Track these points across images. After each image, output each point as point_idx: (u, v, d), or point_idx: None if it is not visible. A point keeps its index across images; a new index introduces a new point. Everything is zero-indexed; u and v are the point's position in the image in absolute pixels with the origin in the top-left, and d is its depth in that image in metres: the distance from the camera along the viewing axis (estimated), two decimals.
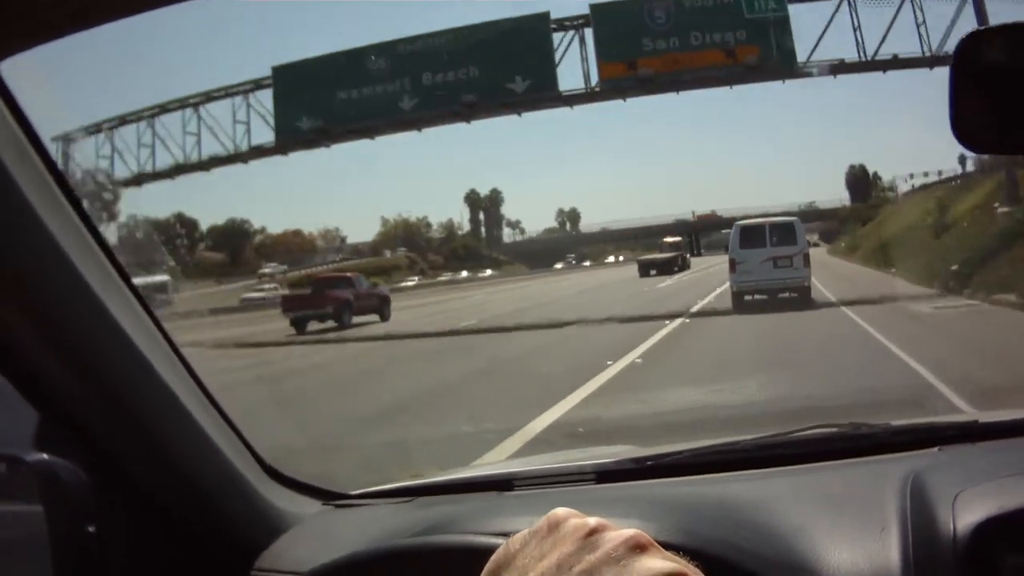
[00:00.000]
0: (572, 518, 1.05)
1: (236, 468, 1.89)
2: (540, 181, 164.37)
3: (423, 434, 8.44)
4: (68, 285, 1.56)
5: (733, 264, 23.79)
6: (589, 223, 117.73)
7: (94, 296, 1.59)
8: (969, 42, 1.50)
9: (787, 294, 22.96)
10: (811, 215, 80.00)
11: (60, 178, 1.56)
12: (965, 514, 1.62)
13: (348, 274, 32.90)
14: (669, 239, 72.47)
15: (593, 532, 1.02)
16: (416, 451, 7.37)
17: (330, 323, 27.01)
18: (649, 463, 2.18)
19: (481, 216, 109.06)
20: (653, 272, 51.43)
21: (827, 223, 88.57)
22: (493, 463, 2.56)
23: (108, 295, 1.62)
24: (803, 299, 22.67)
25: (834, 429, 2.27)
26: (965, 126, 1.51)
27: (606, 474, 2.16)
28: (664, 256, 58.21)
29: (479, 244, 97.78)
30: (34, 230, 1.51)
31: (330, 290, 28.73)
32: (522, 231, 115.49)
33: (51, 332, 1.57)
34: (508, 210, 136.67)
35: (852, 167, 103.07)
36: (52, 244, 1.52)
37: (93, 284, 1.59)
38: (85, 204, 1.61)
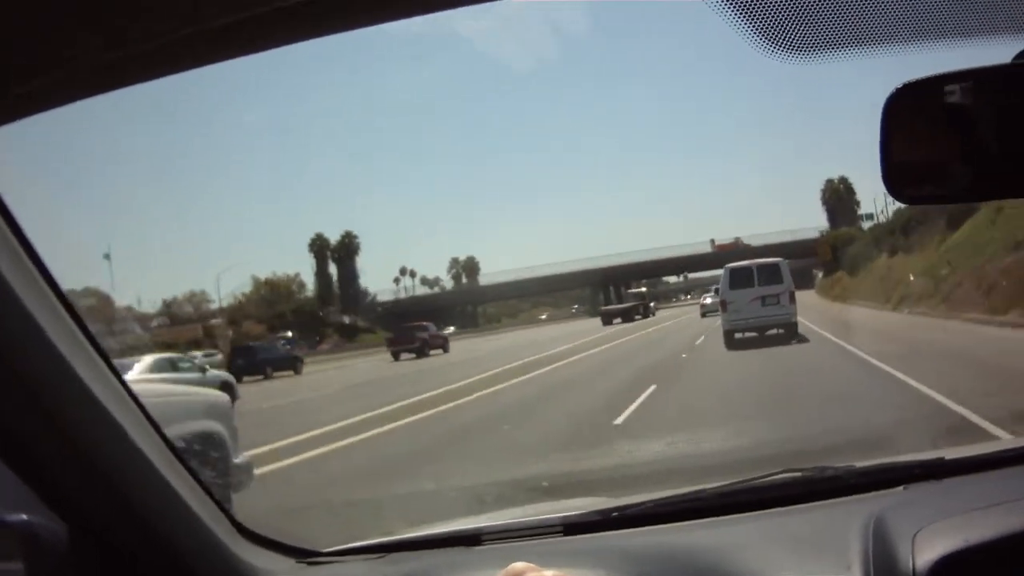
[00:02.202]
0: (529, 572, 1.07)
1: (207, 526, 1.90)
2: (430, 225, 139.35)
3: None
4: (37, 348, 1.58)
5: (724, 304, 25.55)
6: (491, 274, 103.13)
7: (62, 359, 1.61)
8: (900, 93, 1.52)
9: (775, 330, 24.45)
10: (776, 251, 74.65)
11: (23, 240, 1.60)
12: (924, 551, 1.65)
13: (424, 323, 48.07)
14: (633, 290, 79.76)
15: None
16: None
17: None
18: (614, 514, 2.21)
19: (332, 269, 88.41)
20: (617, 320, 52.94)
21: (803, 260, 77.76)
22: (462, 519, 2.55)
23: (76, 358, 1.64)
24: (790, 334, 24.25)
25: (798, 473, 2.29)
26: (896, 176, 1.53)
27: (572, 526, 2.18)
28: (626, 305, 61.57)
29: (326, 307, 79.95)
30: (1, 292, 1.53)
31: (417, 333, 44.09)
32: (434, 282, 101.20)
33: (24, 395, 1.59)
34: (401, 260, 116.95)
35: (830, 183, 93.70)
36: (19, 308, 1.55)
37: (61, 347, 1.61)
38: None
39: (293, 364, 39.54)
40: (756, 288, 25.00)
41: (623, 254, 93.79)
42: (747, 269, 25.91)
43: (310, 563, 2.20)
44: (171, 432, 7.09)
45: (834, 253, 68.60)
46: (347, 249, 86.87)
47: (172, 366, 24.11)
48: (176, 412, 6.70)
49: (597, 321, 53.97)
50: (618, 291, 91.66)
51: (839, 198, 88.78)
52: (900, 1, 1.54)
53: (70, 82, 1.46)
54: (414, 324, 48.13)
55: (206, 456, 6.73)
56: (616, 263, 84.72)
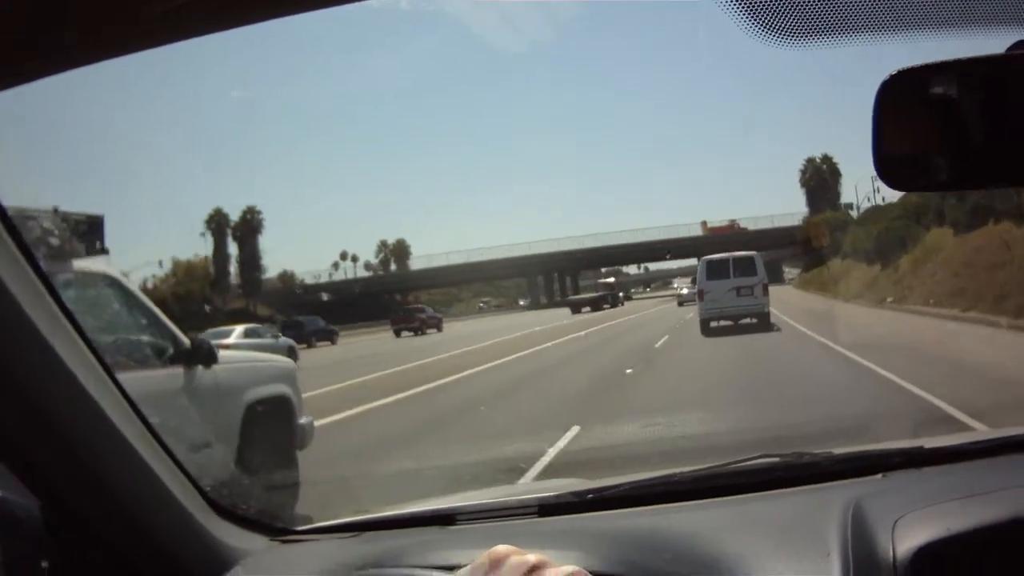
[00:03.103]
0: (513, 555, 1.01)
1: (181, 503, 1.79)
2: (371, 209, 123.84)
3: None
4: (14, 327, 1.48)
5: (701, 294, 25.72)
6: (427, 257, 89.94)
7: (40, 336, 1.51)
8: (892, 81, 1.43)
9: (748, 319, 24.81)
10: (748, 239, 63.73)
11: (9, 224, 1.50)
12: (905, 539, 1.56)
13: (421, 304, 55.35)
14: (604, 280, 76.46)
15: (533, 569, 0.99)
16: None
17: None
18: (590, 496, 2.10)
19: (232, 250, 73.22)
20: (585, 309, 51.84)
21: (779, 251, 69.89)
22: (436, 499, 2.35)
23: (54, 335, 1.54)
24: (763, 323, 24.41)
25: (776, 459, 2.18)
26: (888, 164, 1.44)
27: (548, 507, 2.07)
28: (595, 295, 59.26)
29: (220, 290, 66.55)
30: None
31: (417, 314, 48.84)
32: (378, 267, 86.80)
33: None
34: (344, 244, 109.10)
35: (811, 162, 79.14)
36: None
37: (38, 324, 1.50)
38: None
39: (330, 336, 44.48)
40: (732, 279, 25.08)
41: (575, 238, 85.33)
42: (724, 261, 25.98)
43: (284, 541, 2.08)
44: (252, 394, 6.97)
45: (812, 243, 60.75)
46: (249, 227, 73.17)
47: (256, 334, 27.28)
48: (259, 376, 7.28)
49: (549, 313, 52.33)
50: (575, 281, 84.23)
51: (822, 179, 77.07)
52: None
53: None
54: (414, 307, 53.82)
55: (276, 416, 7.13)
56: (571, 248, 76.23)
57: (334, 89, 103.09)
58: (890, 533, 1.57)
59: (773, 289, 27.08)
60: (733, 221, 74.38)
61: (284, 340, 28.49)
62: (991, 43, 1.43)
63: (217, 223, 70.17)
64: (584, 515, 2.01)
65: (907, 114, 1.43)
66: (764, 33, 1.46)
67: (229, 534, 1.90)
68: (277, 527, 2.09)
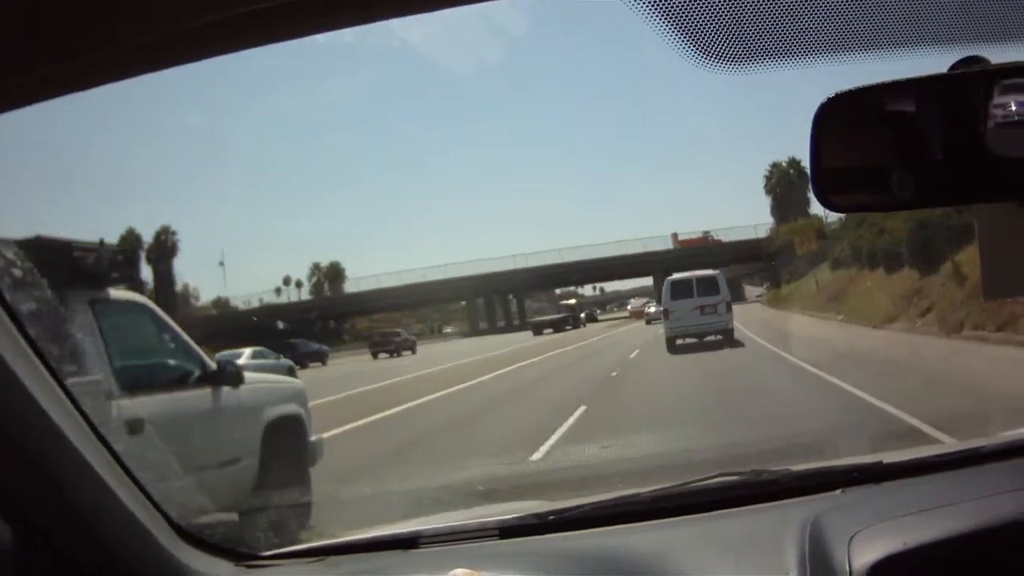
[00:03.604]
0: None
1: (150, 531, 1.70)
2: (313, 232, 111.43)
3: None
4: None
5: (667, 312, 24.78)
6: (360, 280, 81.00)
7: (6, 367, 1.43)
8: (831, 103, 1.36)
9: (713, 337, 24.14)
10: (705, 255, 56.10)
11: None
12: (861, 554, 1.50)
13: (397, 329, 54.40)
14: (566, 302, 70.44)
15: None
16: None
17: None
18: (551, 518, 2.00)
19: (147, 273, 63.81)
20: (548, 331, 50.57)
21: (742, 267, 63.12)
22: (399, 523, 2.25)
23: (16, 362, 1.46)
24: (727, 340, 23.82)
25: (735, 477, 2.08)
26: (826, 186, 1.38)
27: (509, 530, 1.97)
28: (557, 316, 57.92)
29: None
30: None
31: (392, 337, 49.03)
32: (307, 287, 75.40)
33: None
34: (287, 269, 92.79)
35: (777, 167, 68.80)
36: None
37: (4, 352, 1.43)
38: None
39: (321, 357, 44.21)
40: (695, 298, 24.34)
41: (525, 255, 76.05)
42: (687, 281, 25.26)
43: (249, 567, 1.98)
44: (270, 414, 6.83)
45: (773, 257, 54.04)
46: (163, 249, 65.86)
47: (262, 355, 27.33)
48: (276, 397, 7.28)
49: (510, 336, 50.35)
50: (520, 304, 77.84)
51: (789, 184, 66.33)
52: (832, 14, 1.36)
53: None
54: (390, 331, 53.09)
55: (291, 435, 7.14)
56: (522, 266, 67.34)
57: (265, 115, 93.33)
58: (846, 548, 1.52)
59: (739, 309, 26.87)
60: (707, 233, 67.24)
61: (285, 361, 28.58)
62: (930, 63, 1.37)
63: (129, 244, 58.49)
64: (545, 536, 1.93)
65: (846, 136, 1.37)
66: (704, 59, 1.39)
67: (195, 560, 1.81)
68: (242, 553, 2.00)
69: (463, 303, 76.24)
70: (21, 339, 1.49)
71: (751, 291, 66.33)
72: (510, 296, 75.56)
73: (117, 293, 6.19)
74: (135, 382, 5.86)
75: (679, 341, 23.91)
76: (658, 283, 58.08)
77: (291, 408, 7.37)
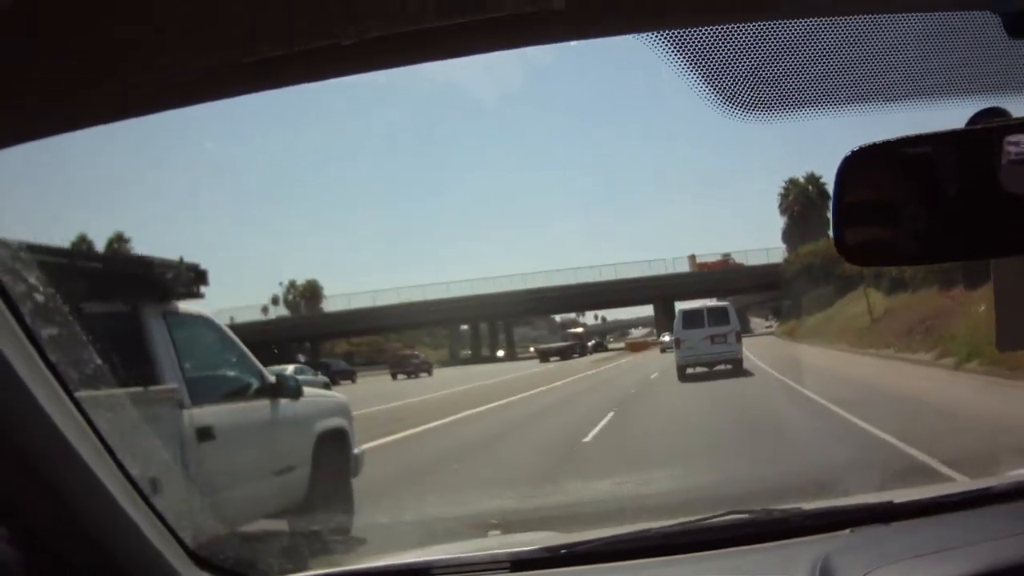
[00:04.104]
0: None
1: (163, 554, 1.62)
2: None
3: None
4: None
5: (678, 342, 24.21)
6: (338, 298, 70.22)
7: (20, 382, 1.35)
8: (853, 158, 1.28)
9: (723, 366, 23.40)
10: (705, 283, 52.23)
11: None
12: None
13: (416, 352, 53.38)
14: (573, 330, 66.91)
15: None
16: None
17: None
18: (563, 551, 1.90)
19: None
20: (555, 358, 49.25)
21: (748, 297, 57.42)
22: (410, 551, 2.16)
23: (33, 382, 1.38)
24: (736, 369, 23.04)
25: (745, 515, 1.97)
26: (849, 240, 1.29)
27: (520, 563, 1.86)
28: (563, 344, 56.02)
29: None
30: None
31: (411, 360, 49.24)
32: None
33: None
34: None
35: (794, 184, 57.84)
36: None
37: (19, 370, 1.35)
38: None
39: (351, 376, 45.31)
40: (706, 328, 23.71)
41: (521, 276, 67.65)
42: (698, 311, 24.75)
43: None
44: (320, 426, 6.86)
45: (791, 283, 45.84)
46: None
47: (303, 372, 28.27)
48: (325, 410, 7.30)
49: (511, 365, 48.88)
50: (508, 332, 70.61)
51: (808, 202, 56.09)
52: (854, 66, 1.33)
53: None
54: (408, 354, 52.62)
55: (338, 446, 7.27)
56: (518, 287, 59.80)
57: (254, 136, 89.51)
58: None
59: (766, 346, 26.02)
60: (727, 256, 59.72)
61: (321, 378, 28.46)
62: (947, 116, 1.32)
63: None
64: (556, 570, 1.83)
65: (868, 189, 1.29)
66: (729, 107, 1.35)
67: None
68: None
69: (455, 327, 70.84)
70: (35, 354, 1.42)
71: (756, 323, 61.46)
72: (499, 323, 70.03)
73: (187, 307, 6.27)
74: (203, 392, 5.92)
75: (689, 370, 23.37)
76: (658, 312, 55.95)
77: (338, 421, 7.35)
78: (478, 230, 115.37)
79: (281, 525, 6.50)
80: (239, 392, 6.49)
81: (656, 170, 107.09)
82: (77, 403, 1.50)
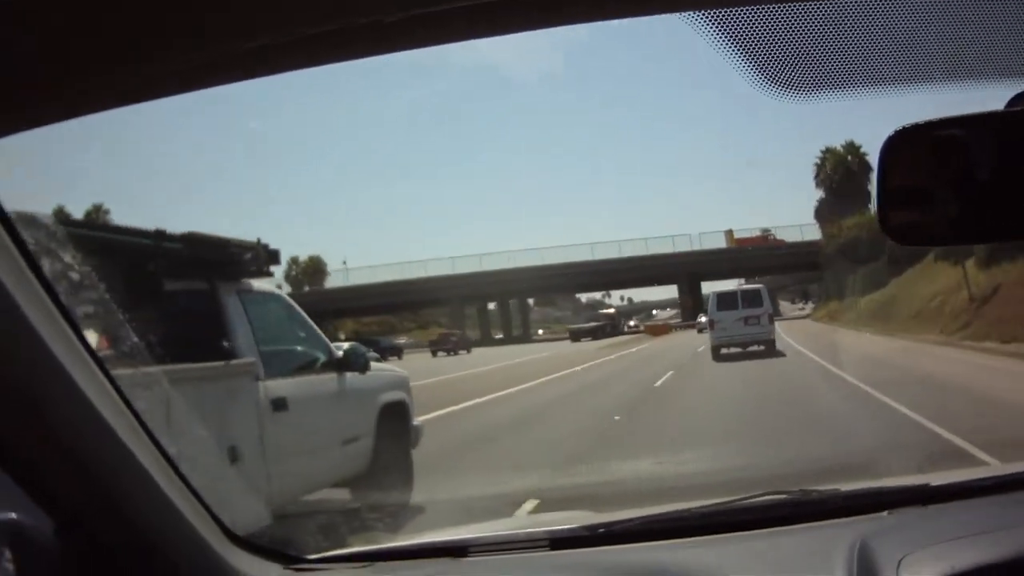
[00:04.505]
0: None
1: (198, 531, 1.56)
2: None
3: None
4: (30, 348, 1.27)
5: (712, 323, 23.93)
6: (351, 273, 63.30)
7: (54, 358, 1.29)
8: (896, 137, 1.24)
9: (756, 347, 22.84)
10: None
11: (21, 246, 1.27)
12: None
13: (456, 331, 53.48)
14: (605, 311, 65.11)
15: None
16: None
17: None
18: (601, 530, 1.82)
19: None
20: (586, 338, 48.51)
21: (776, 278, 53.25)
22: (448, 529, 2.11)
23: (68, 358, 1.32)
24: (769, 350, 22.52)
25: (784, 496, 1.90)
26: (893, 219, 1.26)
27: (559, 541, 1.79)
28: (594, 324, 54.63)
29: None
30: None
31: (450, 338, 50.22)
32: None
33: (14, 394, 1.27)
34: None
35: (831, 152, 51.24)
36: (11, 306, 1.23)
37: (53, 347, 1.28)
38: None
39: (398, 352, 45.62)
40: (740, 310, 23.32)
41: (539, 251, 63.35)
42: (732, 293, 24.55)
43: (297, 570, 1.81)
44: (383, 398, 6.96)
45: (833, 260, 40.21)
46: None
47: (355, 350, 28.38)
48: (387, 384, 7.40)
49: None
50: (523, 310, 66.20)
51: (848, 172, 49.27)
52: (895, 45, 1.25)
53: None
54: (448, 333, 52.58)
55: (399, 418, 7.32)
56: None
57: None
58: (895, 572, 1.36)
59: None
60: (766, 232, 53.80)
61: (373, 354, 28.76)
62: (987, 96, 1.26)
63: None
64: (594, 549, 1.75)
65: (911, 168, 1.25)
66: (770, 86, 1.28)
67: (244, 562, 1.67)
68: (290, 555, 1.84)
69: (482, 306, 63.24)
70: (70, 331, 1.35)
71: (784, 306, 56.81)
72: (512, 301, 64.14)
73: (260, 285, 6.36)
74: (276, 365, 6.02)
75: (723, 350, 22.94)
76: (683, 293, 54.33)
77: (399, 395, 7.42)
78: (494, 206, 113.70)
79: (344, 496, 6.53)
80: (308, 365, 6.58)
81: (682, 145, 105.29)
82: (112, 380, 1.44)
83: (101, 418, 1.37)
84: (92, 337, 1.50)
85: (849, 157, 50.83)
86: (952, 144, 1.21)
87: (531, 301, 66.67)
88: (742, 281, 40.23)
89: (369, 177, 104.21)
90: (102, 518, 1.41)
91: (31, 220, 1.49)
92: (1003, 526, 1.51)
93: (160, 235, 5.88)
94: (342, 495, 6.56)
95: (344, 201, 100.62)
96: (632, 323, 63.69)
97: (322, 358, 6.64)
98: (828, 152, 51.92)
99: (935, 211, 1.24)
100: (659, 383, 16.40)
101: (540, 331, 63.94)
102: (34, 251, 1.27)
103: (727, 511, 1.83)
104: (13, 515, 1.34)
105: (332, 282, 61.14)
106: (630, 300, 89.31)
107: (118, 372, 1.49)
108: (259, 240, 6.57)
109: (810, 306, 56.72)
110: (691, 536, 1.74)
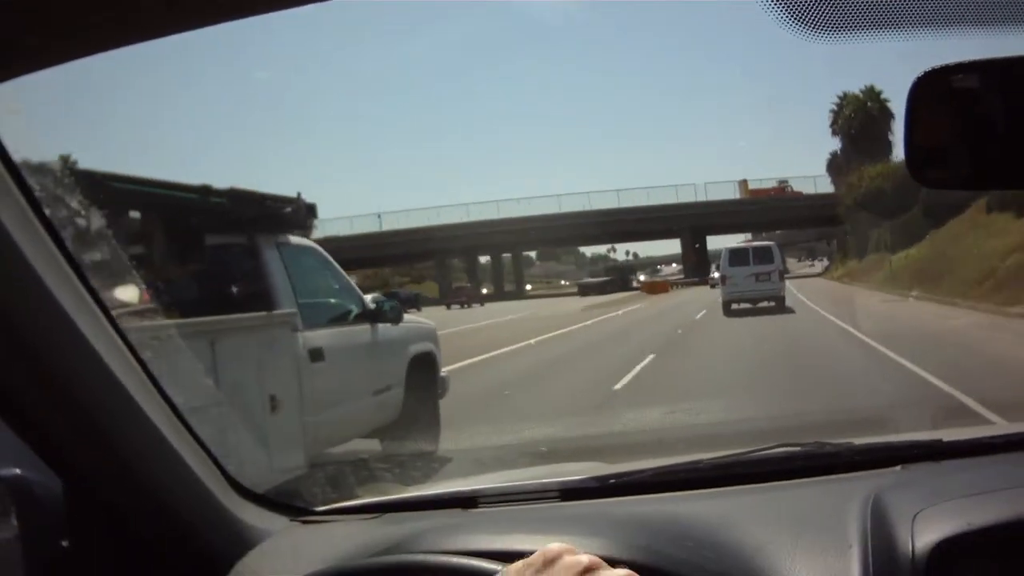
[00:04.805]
0: (566, 555, 0.86)
1: (204, 483, 1.51)
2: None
3: None
4: (38, 302, 1.23)
5: (724, 279, 23.72)
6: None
7: (64, 313, 1.25)
8: (925, 79, 1.18)
9: (766, 303, 22.67)
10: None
11: (30, 197, 1.21)
12: (924, 533, 1.29)
13: (468, 284, 52.84)
14: (614, 265, 65.46)
15: (587, 571, 0.83)
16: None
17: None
18: (612, 481, 1.74)
19: None
20: (594, 293, 47.31)
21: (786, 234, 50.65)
22: (457, 480, 2.06)
23: (77, 312, 1.27)
24: (779, 306, 22.39)
25: (797, 448, 1.80)
26: (919, 161, 1.20)
27: (569, 492, 1.72)
28: (603, 279, 54.20)
29: None
30: (3, 249, 1.18)
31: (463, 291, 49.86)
32: None
33: (21, 349, 1.22)
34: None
35: (850, 98, 45.71)
36: (21, 261, 1.19)
37: (62, 301, 1.24)
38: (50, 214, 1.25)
39: (416, 303, 43.95)
40: (751, 266, 23.14)
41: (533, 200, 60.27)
42: (744, 250, 24.30)
43: (304, 521, 1.76)
44: (413, 349, 7.00)
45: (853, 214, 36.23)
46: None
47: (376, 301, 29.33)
48: (417, 335, 7.42)
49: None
50: (517, 266, 63.09)
51: (869, 119, 43.62)
52: None
53: None
54: (461, 286, 51.71)
55: (427, 369, 7.31)
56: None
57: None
58: (910, 527, 1.30)
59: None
60: (783, 183, 48.02)
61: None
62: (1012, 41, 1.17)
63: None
64: (605, 500, 1.68)
65: (938, 113, 1.19)
66: (796, 26, 1.22)
67: (250, 514, 1.62)
68: (297, 507, 1.78)
69: (491, 255, 58.89)
70: (87, 294, 1.30)
71: (791, 264, 51.62)
72: (495, 256, 59.92)
73: (296, 239, 6.36)
74: (313, 317, 6.03)
75: (734, 305, 22.82)
76: (686, 248, 51.77)
77: (428, 346, 7.41)
78: (483, 156, 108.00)
79: (374, 445, 6.54)
80: (343, 316, 6.59)
81: (694, 85, 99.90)
82: (121, 333, 1.38)
83: (108, 370, 1.32)
84: (131, 291, 1.45)
85: (868, 103, 45.19)
86: (982, 87, 1.15)
87: (533, 255, 65.04)
88: (749, 236, 39.25)
89: (356, 123, 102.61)
90: (108, 472, 1.38)
91: (43, 169, 1.45)
92: (1016, 484, 1.44)
93: (206, 190, 5.88)
94: (372, 445, 6.56)
95: (328, 150, 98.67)
96: (642, 278, 61.08)
97: (355, 310, 6.65)
98: (846, 98, 46.39)
99: (962, 155, 1.18)
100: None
101: (529, 286, 61.12)
102: (68, 204, 1.24)
103: (740, 462, 1.76)
104: (18, 471, 1.33)
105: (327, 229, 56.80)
106: (635, 255, 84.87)
107: (162, 323, 1.45)
108: (299, 194, 6.56)
109: (819, 264, 54.61)
110: (703, 488, 1.68)
